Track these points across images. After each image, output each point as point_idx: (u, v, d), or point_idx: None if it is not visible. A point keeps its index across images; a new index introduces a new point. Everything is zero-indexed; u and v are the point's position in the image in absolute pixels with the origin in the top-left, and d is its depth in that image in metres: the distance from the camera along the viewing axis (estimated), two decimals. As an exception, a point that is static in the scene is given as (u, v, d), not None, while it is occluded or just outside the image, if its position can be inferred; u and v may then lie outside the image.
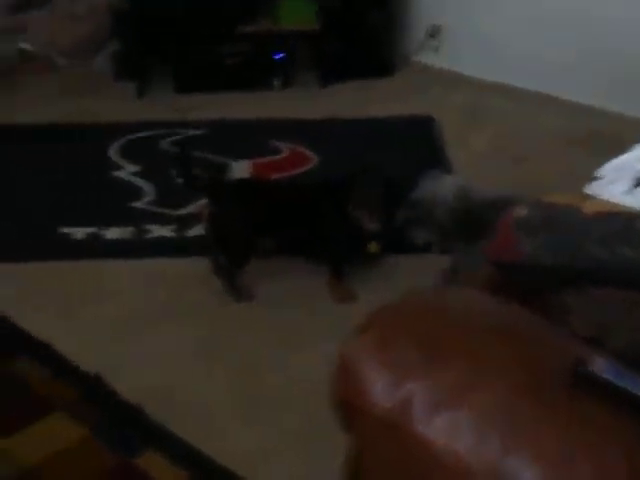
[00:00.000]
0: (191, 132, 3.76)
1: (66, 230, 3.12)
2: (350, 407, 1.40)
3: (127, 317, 2.72)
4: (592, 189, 1.86)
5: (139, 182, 3.42)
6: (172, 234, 3.10)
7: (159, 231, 3.12)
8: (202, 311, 2.75)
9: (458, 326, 1.38)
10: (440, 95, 4.11)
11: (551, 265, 1.67)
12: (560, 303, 1.69)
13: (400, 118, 3.85)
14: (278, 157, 3.59)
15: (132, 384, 2.44)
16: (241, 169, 3.48)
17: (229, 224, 2.77)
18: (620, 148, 3.55)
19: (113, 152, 3.62)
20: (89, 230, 3.12)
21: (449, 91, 4.14)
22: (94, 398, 2.40)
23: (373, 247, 2.84)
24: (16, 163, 3.57)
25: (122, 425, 2.32)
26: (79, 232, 3.11)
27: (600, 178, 1.87)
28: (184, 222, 3.15)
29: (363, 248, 2.84)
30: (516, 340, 1.38)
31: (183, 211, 3.22)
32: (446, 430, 1.32)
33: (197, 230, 3.09)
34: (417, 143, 3.65)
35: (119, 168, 3.51)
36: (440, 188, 2.98)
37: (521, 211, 1.82)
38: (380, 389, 1.36)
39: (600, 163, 3.43)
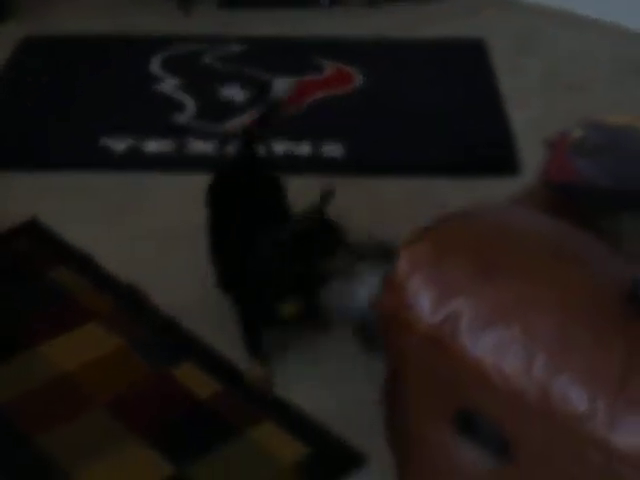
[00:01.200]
0: (234, 47, 3.68)
1: (107, 142, 3.08)
2: (394, 319, 1.37)
3: (164, 232, 2.70)
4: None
5: (180, 96, 3.36)
6: (212, 150, 3.05)
7: (199, 146, 3.07)
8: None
9: (514, 244, 1.34)
10: (493, 19, 3.97)
11: (608, 188, 1.61)
12: (615, 228, 1.63)
13: (450, 41, 3.74)
14: (321, 76, 3.51)
15: (167, 299, 2.42)
16: (283, 87, 3.40)
17: None
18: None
19: (155, 65, 3.56)
20: (130, 142, 3.08)
21: (503, 15, 4.01)
22: (131, 309, 2.39)
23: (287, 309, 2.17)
24: (60, 74, 3.53)
25: (158, 336, 2.31)
26: (120, 144, 3.07)
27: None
28: (225, 138, 3.10)
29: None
30: (572, 262, 1.33)
31: (225, 127, 3.16)
32: (494, 348, 1.28)
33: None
34: (466, 68, 3.54)
35: (160, 81, 3.45)
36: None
37: (577, 133, 1.75)
38: (428, 303, 1.32)
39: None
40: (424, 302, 1.31)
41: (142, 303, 2.40)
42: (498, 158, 3.02)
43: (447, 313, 1.30)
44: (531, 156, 3.02)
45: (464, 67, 3.56)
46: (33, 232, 2.68)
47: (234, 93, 3.37)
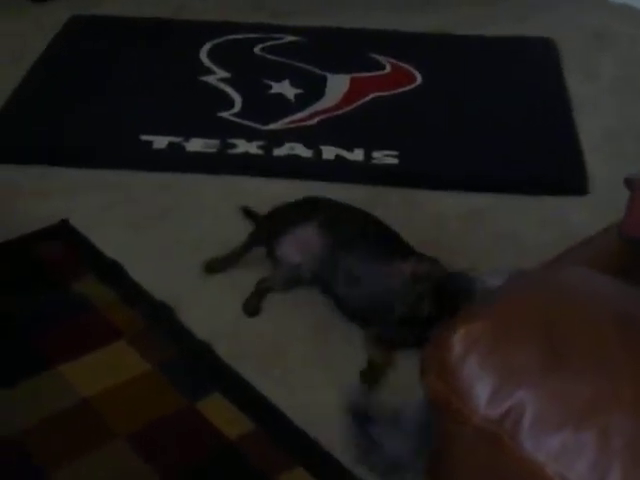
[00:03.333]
0: (288, 38, 3.49)
1: (148, 138, 2.91)
2: (445, 407, 1.18)
3: (205, 243, 2.51)
4: None
5: (227, 89, 3.18)
6: (258, 151, 2.87)
7: (244, 146, 2.89)
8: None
9: (588, 323, 1.13)
10: (564, 16, 3.73)
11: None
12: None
13: (517, 39, 3.50)
14: (379, 73, 3.30)
15: (200, 320, 2.25)
16: (338, 84, 3.21)
17: None
18: None
19: (204, 54, 3.37)
20: (171, 139, 2.90)
21: (573, 12, 3.77)
22: (162, 329, 2.22)
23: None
24: (104, 59, 3.36)
25: (190, 363, 2.14)
26: (161, 141, 2.90)
27: None
28: (273, 139, 2.91)
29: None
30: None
31: (273, 126, 2.98)
32: (560, 454, 1.08)
33: (286, 149, 2.86)
34: (534, 70, 3.31)
35: (208, 72, 3.27)
36: None
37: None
38: (486, 393, 1.12)
39: None
40: (481, 392, 1.12)
41: (174, 323, 2.24)
42: (565, 175, 2.80)
43: (508, 407, 1.10)
44: (601, 173, 2.80)
45: (532, 68, 3.33)
46: (63, 235, 2.52)
47: (284, 89, 3.17)
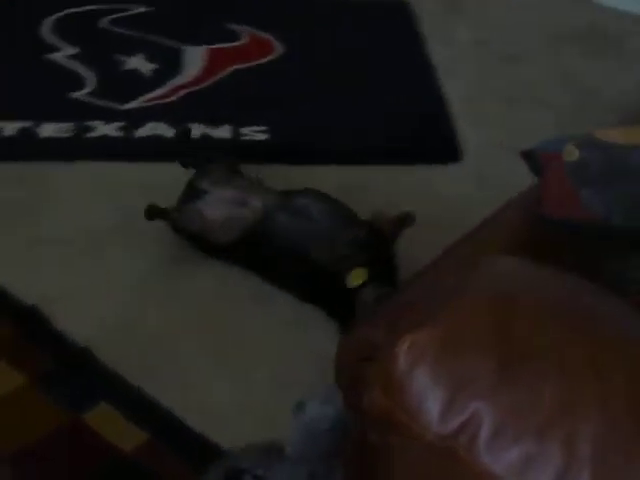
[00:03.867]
0: (136, 9, 3.29)
1: (-6, 124, 2.68)
2: (392, 424, 1.09)
3: (65, 236, 2.33)
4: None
5: (77, 67, 2.96)
6: (118, 133, 2.68)
7: (103, 129, 2.69)
8: (156, 232, 2.37)
9: (541, 323, 1.06)
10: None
11: (621, 226, 1.35)
12: (624, 272, 1.38)
13: (376, 3, 3.42)
14: (237, 44, 3.16)
15: (75, 324, 2.08)
16: (195, 57, 3.04)
17: None
18: (620, 47, 3.25)
19: (47, 30, 3.13)
20: (20, 125, 2.68)
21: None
22: (35, 337, 2.04)
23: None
24: None
25: (69, 372, 1.97)
26: (8, 127, 2.67)
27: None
28: (132, 119, 2.73)
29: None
30: (611, 342, 1.06)
31: (131, 105, 2.79)
32: (522, 466, 1.01)
33: (149, 129, 2.69)
34: (394, 34, 3.24)
35: (53, 50, 3.03)
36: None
37: (571, 153, 1.48)
38: (437, 408, 1.04)
39: (602, 64, 3.15)
40: (432, 406, 1.04)
41: (47, 329, 2.06)
42: (438, 143, 2.75)
43: (463, 420, 1.03)
44: (472, 139, 2.78)
45: (391, 34, 3.25)
46: None
47: (139, 64, 2.99)
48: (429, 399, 1.05)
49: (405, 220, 2.18)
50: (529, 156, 1.60)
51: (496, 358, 1.03)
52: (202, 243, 2.27)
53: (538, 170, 1.52)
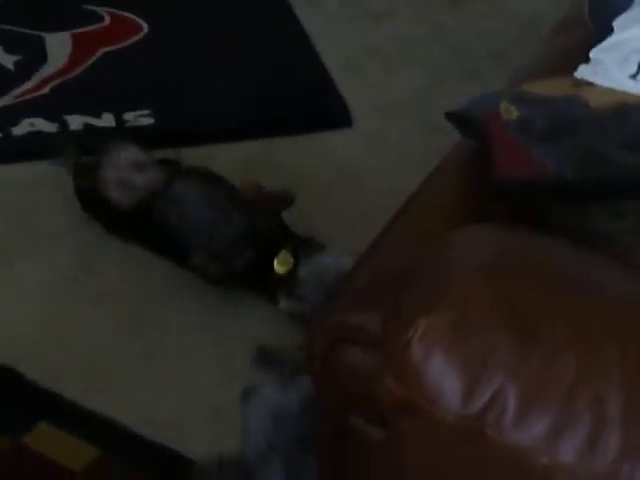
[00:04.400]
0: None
1: None
2: (409, 411, 1.06)
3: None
4: (583, 73, 1.54)
5: None
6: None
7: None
8: (60, 235, 2.25)
9: (551, 291, 1.06)
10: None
11: (575, 179, 1.37)
12: (584, 226, 1.40)
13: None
14: (100, 26, 3.01)
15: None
16: (59, 44, 2.89)
17: None
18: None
19: None
20: None
21: None
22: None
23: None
24: None
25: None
26: None
27: (593, 60, 1.56)
28: (6, 117, 2.58)
29: None
30: (614, 297, 1.07)
31: (2, 102, 2.63)
32: (550, 435, 1.02)
33: (26, 126, 2.55)
34: (262, 4, 3.17)
35: None
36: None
37: (509, 110, 1.49)
38: (459, 392, 1.03)
39: (470, 17, 3.18)
40: (453, 390, 1.02)
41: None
42: (326, 109, 2.72)
43: (486, 400, 1.02)
44: (358, 102, 2.76)
45: (259, 2, 3.18)
46: None
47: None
48: (449, 383, 1.03)
49: (285, 200, 2.15)
50: (461, 117, 1.59)
51: (512, 333, 1.03)
52: (100, 208, 2.21)
53: (476, 131, 1.51)
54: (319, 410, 1.50)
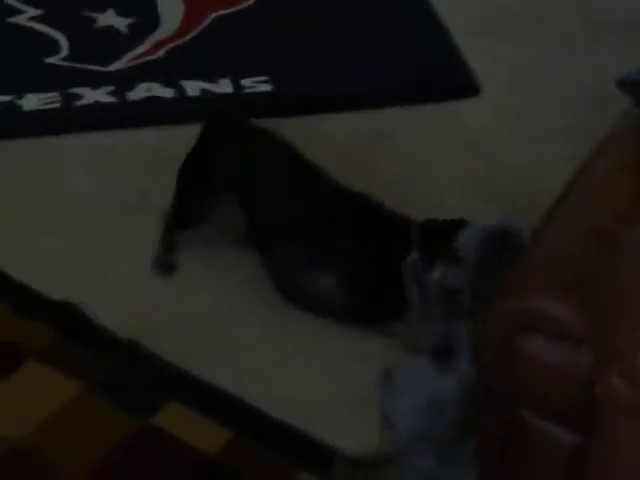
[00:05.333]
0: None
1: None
2: (627, 409, 0.95)
3: (74, 223, 2.11)
4: None
5: (46, 30, 2.69)
6: (110, 98, 2.45)
7: (92, 95, 2.46)
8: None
9: None
10: None
11: None
12: None
13: None
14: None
15: (113, 316, 1.88)
16: (171, 5, 2.79)
17: None
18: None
19: (3, -10, 2.84)
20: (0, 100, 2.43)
21: None
22: (77, 336, 1.84)
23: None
24: None
25: (123, 371, 1.78)
26: (-14, 103, 2.42)
27: None
28: (122, 81, 2.50)
29: None
30: None
31: (116, 66, 2.56)
32: None
33: (142, 91, 2.47)
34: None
35: (16, 12, 2.75)
36: None
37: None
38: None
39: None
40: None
41: (88, 326, 1.86)
42: (451, 77, 2.59)
43: None
44: (486, 69, 2.61)
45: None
46: None
47: (112, 20, 2.73)
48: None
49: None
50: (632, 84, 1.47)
51: None
52: None
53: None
54: (481, 399, 1.40)
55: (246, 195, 1.93)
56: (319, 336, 1.86)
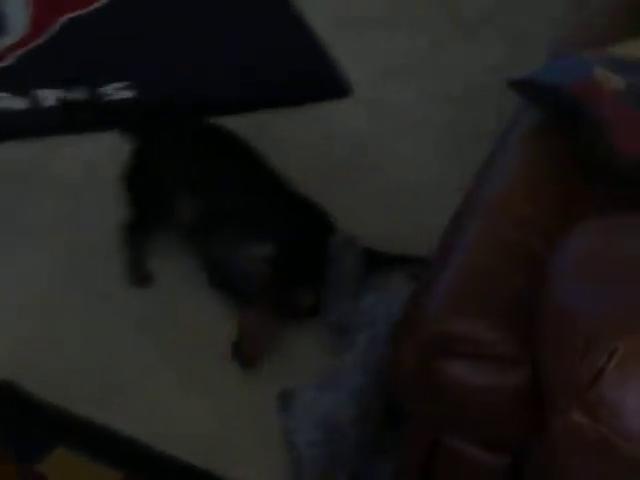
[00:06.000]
0: None
1: None
2: (597, 447, 0.89)
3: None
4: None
5: None
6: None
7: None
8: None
9: None
10: None
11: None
12: None
13: None
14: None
15: None
16: (17, 9, 2.60)
17: None
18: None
19: None
20: None
21: None
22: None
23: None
24: None
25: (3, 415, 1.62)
26: None
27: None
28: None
29: None
30: None
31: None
32: None
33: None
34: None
35: None
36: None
37: (608, 78, 1.32)
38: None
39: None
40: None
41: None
42: (322, 78, 2.50)
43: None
44: (354, 68, 2.55)
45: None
46: None
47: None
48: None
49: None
50: (535, 87, 1.43)
51: None
52: None
53: (565, 103, 1.34)
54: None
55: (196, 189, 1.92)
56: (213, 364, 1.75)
